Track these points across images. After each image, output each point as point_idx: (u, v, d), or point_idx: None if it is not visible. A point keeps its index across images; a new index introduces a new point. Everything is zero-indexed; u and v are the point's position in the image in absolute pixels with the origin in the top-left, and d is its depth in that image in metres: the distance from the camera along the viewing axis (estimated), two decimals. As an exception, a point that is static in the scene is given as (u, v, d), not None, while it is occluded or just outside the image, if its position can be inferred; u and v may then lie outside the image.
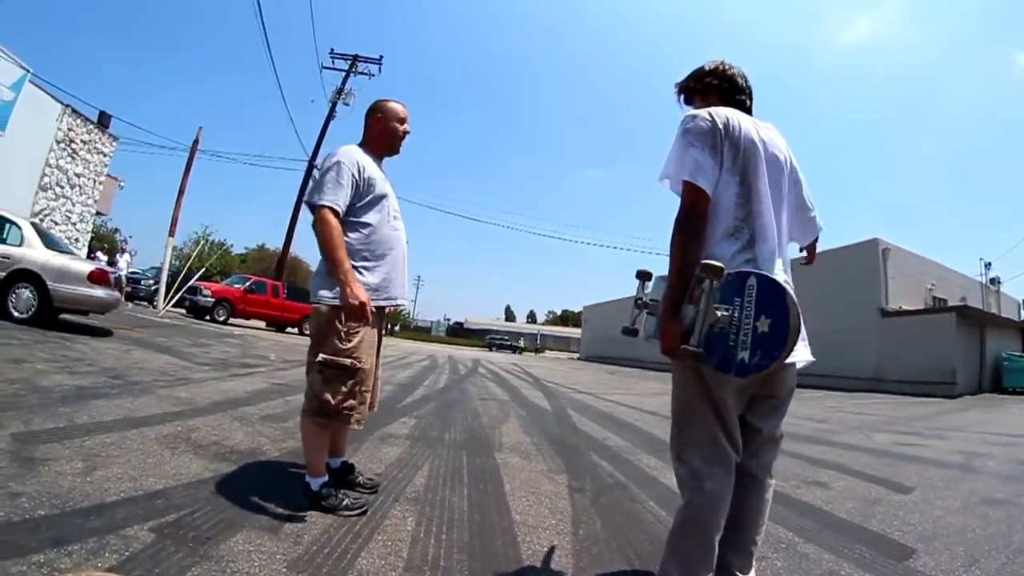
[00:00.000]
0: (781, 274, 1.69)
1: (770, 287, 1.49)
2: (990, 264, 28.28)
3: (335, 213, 2.40)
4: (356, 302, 2.30)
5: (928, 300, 22.05)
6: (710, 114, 1.72)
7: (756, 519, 1.75)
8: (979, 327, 19.95)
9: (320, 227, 2.37)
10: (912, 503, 3.53)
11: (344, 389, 2.40)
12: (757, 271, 1.54)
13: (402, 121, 2.74)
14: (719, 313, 1.50)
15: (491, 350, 50.33)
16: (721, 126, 1.69)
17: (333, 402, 2.38)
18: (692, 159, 1.65)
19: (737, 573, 1.72)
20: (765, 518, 1.79)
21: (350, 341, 2.42)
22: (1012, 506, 3.58)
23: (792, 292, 1.53)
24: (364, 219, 2.54)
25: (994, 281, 28.30)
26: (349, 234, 2.49)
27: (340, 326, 2.41)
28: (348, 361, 2.40)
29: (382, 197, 2.60)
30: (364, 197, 2.53)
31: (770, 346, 1.44)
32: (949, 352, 17.66)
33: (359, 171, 2.51)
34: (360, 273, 2.46)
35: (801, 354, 1.71)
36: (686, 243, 1.61)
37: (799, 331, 1.44)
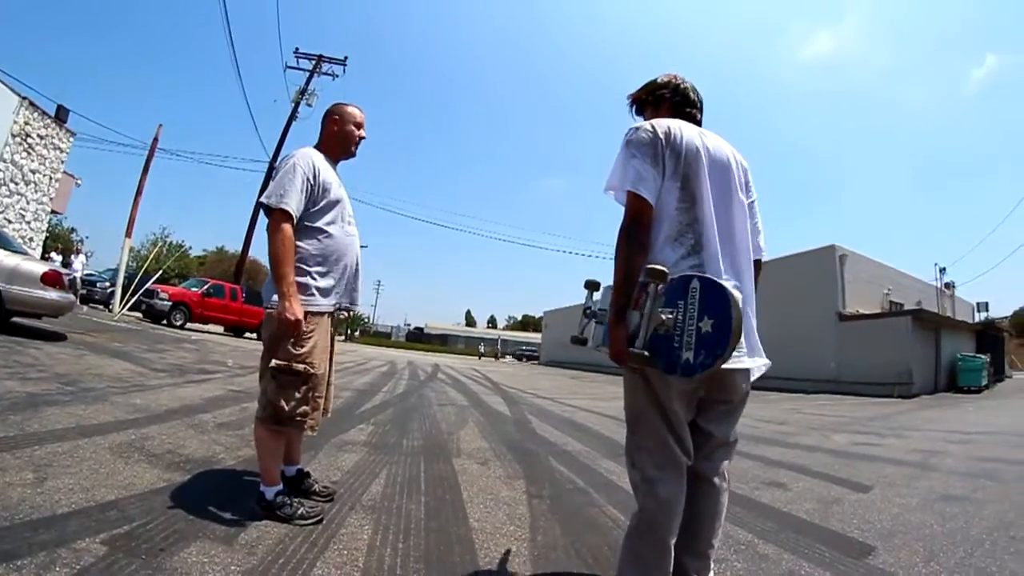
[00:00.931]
0: (729, 278, 1.71)
1: (712, 289, 1.52)
2: (944, 269, 29.20)
3: (288, 218, 2.38)
4: (292, 318, 2.30)
5: (885, 304, 22.66)
6: (652, 125, 1.77)
7: (712, 522, 1.78)
8: (934, 329, 20.55)
9: (272, 235, 2.36)
10: (871, 502, 3.61)
11: (298, 395, 2.39)
12: (700, 274, 1.58)
13: (359, 125, 2.74)
14: (663, 316, 1.55)
15: (494, 360, 49.12)
16: (662, 135, 1.73)
17: (287, 408, 2.36)
18: (634, 169, 1.70)
19: None
20: (721, 521, 1.81)
21: (303, 346, 2.40)
22: (969, 502, 3.68)
23: (736, 293, 1.57)
24: (318, 224, 2.52)
25: (949, 285, 29.19)
26: (304, 239, 2.47)
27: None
28: (302, 367, 2.39)
29: (337, 202, 2.59)
30: (319, 202, 2.51)
31: (713, 345, 1.47)
32: (906, 354, 18.16)
33: (315, 175, 2.50)
34: (313, 278, 2.46)
35: (755, 362, 1.75)
36: (631, 251, 1.65)
37: (740, 330, 1.47)
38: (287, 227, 2.37)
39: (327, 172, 2.58)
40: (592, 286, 1.96)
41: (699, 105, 1.99)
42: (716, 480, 1.80)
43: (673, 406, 1.66)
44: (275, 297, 2.40)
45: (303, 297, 2.42)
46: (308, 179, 2.46)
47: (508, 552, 2.33)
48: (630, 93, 2.10)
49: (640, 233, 1.68)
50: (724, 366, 1.64)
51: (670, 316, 1.54)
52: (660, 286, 1.57)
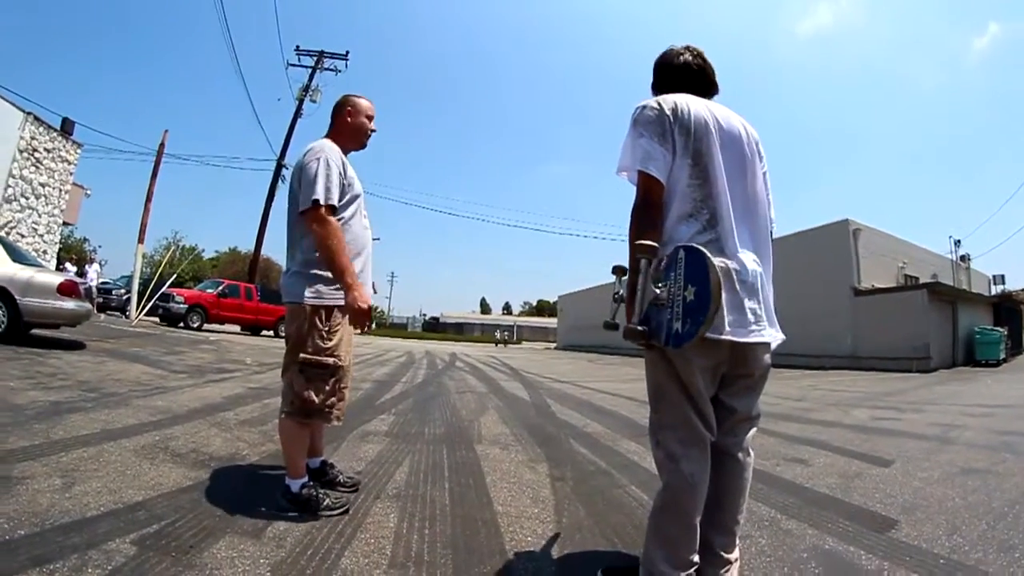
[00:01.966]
0: (747, 251, 1.71)
1: (694, 256, 1.51)
2: (960, 242, 28.82)
3: (334, 211, 2.39)
4: (365, 306, 2.34)
5: (900, 278, 22.42)
6: (658, 102, 1.75)
7: (736, 498, 1.77)
8: (951, 303, 20.33)
9: (321, 229, 2.34)
10: (892, 476, 3.60)
11: (327, 388, 2.42)
12: (686, 244, 1.56)
13: (371, 118, 2.74)
14: (656, 290, 1.56)
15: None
16: (669, 112, 1.71)
17: (317, 401, 2.39)
18: (642, 148, 1.69)
19: (721, 552, 1.73)
20: (746, 497, 1.81)
21: (331, 340, 2.43)
22: (990, 475, 3.66)
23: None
24: (343, 217, 2.53)
25: (964, 258, 28.83)
26: None
27: (321, 325, 2.43)
28: (330, 360, 2.42)
29: (357, 196, 2.62)
30: (344, 195, 2.52)
31: (696, 313, 1.46)
32: (922, 328, 17.97)
33: (344, 168, 2.52)
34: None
35: (769, 335, 1.73)
36: (643, 231, 1.63)
37: (720, 296, 1.45)
38: (333, 220, 2.38)
39: (349, 165, 2.60)
40: (620, 271, 1.94)
41: (710, 76, 1.96)
42: (740, 455, 1.79)
43: (695, 381, 1.65)
44: (303, 292, 2.43)
45: (331, 290, 2.44)
46: (340, 172, 2.48)
47: (534, 534, 2.34)
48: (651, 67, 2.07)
49: (651, 212, 1.67)
50: (745, 339, 1.65)
51: (663, 289, 1.55)
52: (652, 261, 1.57)
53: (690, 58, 1.95)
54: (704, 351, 1.61)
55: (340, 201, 2.47)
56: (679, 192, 1.69)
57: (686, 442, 1.66)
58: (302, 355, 2.41)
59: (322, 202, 2.34)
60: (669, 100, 1.75)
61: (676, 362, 1.65)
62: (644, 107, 1.75)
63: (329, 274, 2.44)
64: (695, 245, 1.54)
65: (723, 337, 1.58)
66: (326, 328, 2.43)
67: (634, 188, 1.74)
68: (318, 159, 2.43)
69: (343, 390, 2.50)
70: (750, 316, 1.66)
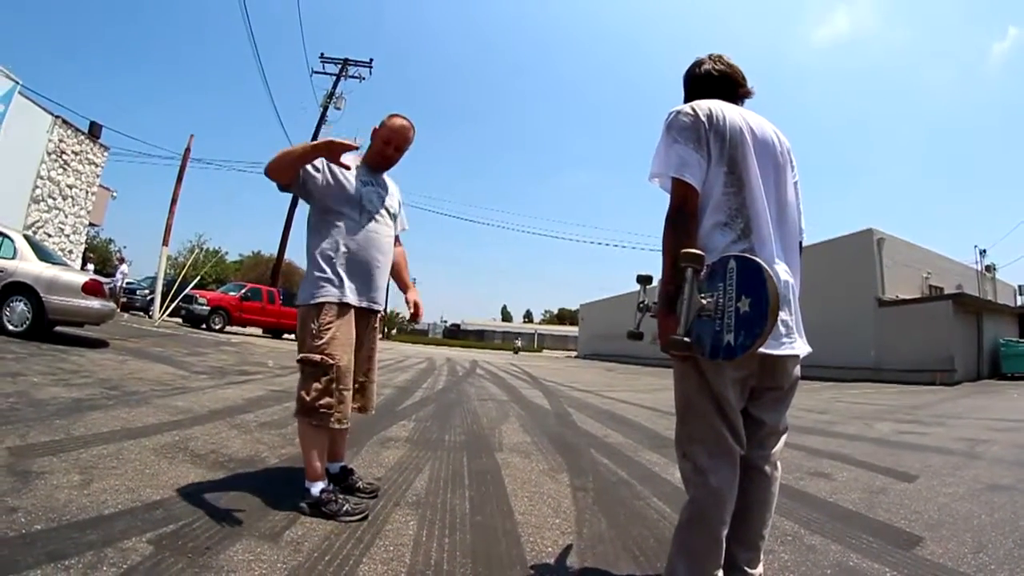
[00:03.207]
0: (780, 262, 1.68)
1: (748, 267, 1.46)
2: (985, 251, 28.29)
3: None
4: (323, 142, 2.43)
5: (924, 289, 22.10)
6: (692, 108, 1.71)
7: (762, 512, 1.74)
8: (976, 314, 20.00)
9: (269, 162, 2.50)
10: (917, 491, 3.52)
11: (318, 385, 2.42)
12: (737, 254, 1.52)
13: (388, 143, 2.76)
14: (704, 300, 1.51)
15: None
16: (704, 118, 1.67)
17: (308, 398, 2.41)
18: (677, 155, 1.65)
19: (745, 568, 1.69)
20: (772, 511, 1.77)
21: (321, 337, 2.46)
22: (1017, 491, 3.58)
23: (776, 269, 1.55)
24: (333, 219, 2.62)
25: (990, 268, 28.34)
26: (320, 235, 2.59)
27: (312, 324, 2.47)
28: (319, 356, 2.43)
29: (355, 199, 2.65)
30: (333, 196, 2.61)
31: (751, 325, 1.41)
32: (947, 339, 17.69)
33: (329, 169, 2.61)
34: (328, 272, 2.55)
35: (800, 347, 1.69)
36: (677, 239, 1.60)
37: (778, 308, 1.40)
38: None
39: (350, 171, 2.66)
40: (644, 280, 1.94)
41: (743, 83, 1.92)
42: (768, 469, 1.75)
43: (727, 394, 1.61)
44: (301, 294, 2.56)
45: (320, 290, 2.51)
46: (322, 167, 2.58)
47: (554, 545, 2.30)
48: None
49: (686, 221, 1.63)
50: (776, 352, 1.61)
51: (710, 300, 1.50)
52: (697, 270, 1.53)
53: (711, 66, 1.92)
54: (737, 363, 1.56)
55: (324, 203, 2.60)
56: (714, 200, 1.65)
57: (715, 455, 1.62)
58: (300, 354, 2.48)
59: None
60: (704, 106, 1.71)
61: (708, 374, 1.61)
62: (678, 112, 1.72)
63: (317, 272, 2.53)
64: (747, 256, 1.51)
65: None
66: (316, 326, 2.47)
67: (667, 195, 1.69)
68: None
69: (341, 391, 2.48)
70: (782, 328, 1.62)
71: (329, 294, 2.51)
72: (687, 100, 1.93)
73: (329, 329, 2.47)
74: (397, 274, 3.04)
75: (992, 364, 19.68)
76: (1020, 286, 30.35)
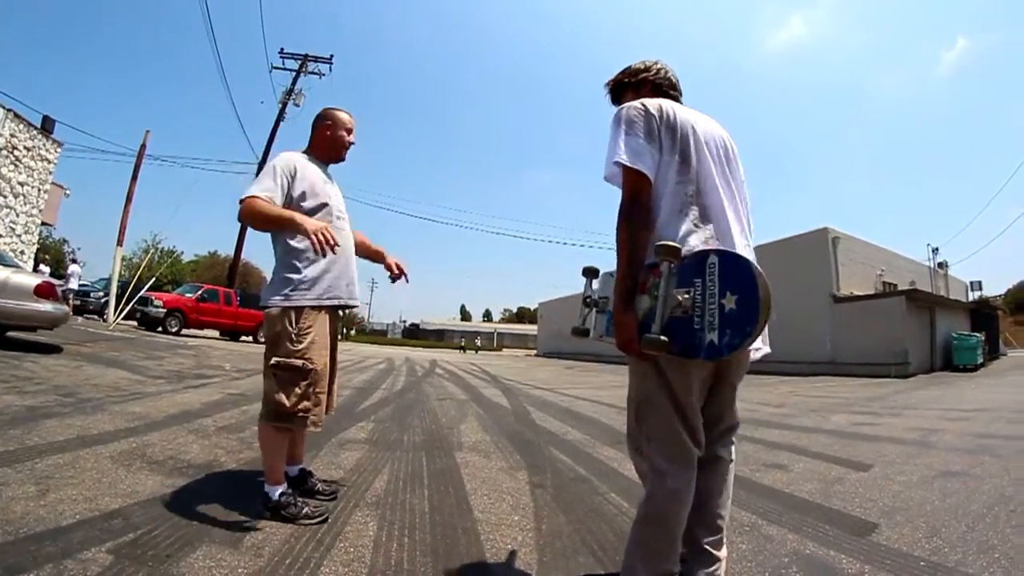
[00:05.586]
0: (744, 250, 1.66)
1: (734, 262, 1.44)
2: (937, 249, 29.20)
3: (253, 198, 2.42)
4: (313, 227, 2.29)
5: (878, 285, 22.72)
6: (642, 103, 1.72)
7: (725, 496, 1.74)
8: (929, 309, 20.60)
9: (247, 208, 2.40)
10: (871, 480, 3.64)
11: (298, 391, 2.40)
12: (718, 248, 1.51)
13: (349, 131, 2.78)
14: (680, 297, 1.46)
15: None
16: (655, 111, 1.68)
17: (288, 404, 2.38)
18: (628, 146, 1.63)
19: (711, 550, 1.69)
20: (730, 493, 1.78)
21: (301, 342, 2.43)
22: (969, 477, 3.71)
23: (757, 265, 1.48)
24: None
25: (942, 265, 29.24)
26: (293, 236, 2.49)
27: (291, 328, 2.43)
28: (300, 362, 2.41)
29: (322, 199, 2.62)
30: (305, 199, 2.55)
31: (741, 323, 1.38)
32: (901, 334, 18.19)
33: (292, 172, 2.54)
34: (305, 274, 2.50)
35: (766, 347, 1.72)
36: (634, 230, 1.58)
37: (770, 303, 1.37)
38: (252, 200, 2.40)
39: (312, 172, 2.63)
40: (590, 273, 1.90)
41: (679, 90, 1.96)
42: (725, 454, 1.78)
43: (689, 395, 1.60)
44: (271, 296, 2.47)
45: (296, 292, 2.46)
46: (284, 174, 2.51)
47: (514, 542, 2.34)
48: (608, 80, 2.05)
49: (641, 211, 1.60)
50: (747, 351, 1.62)
51: (687, 296, 1.46)
52: (673, 264, 1.48)
53: (666, 69, 1.96)
54: (701, 363, 1.56)
55: (290, 204, 2.52)
56: (669, 191, 1.64)
57: (673, 458, 1.61)
58: (274, 358, 2.42)
59: (244, 197, 2.42)
60: (653, 102, 1.73)
61: (671, 374, 1.59)
62: (628, 107, 1.71)
63: (296, 275, 2.48)
64: (729, 250, 1.50)
65: None
66: (296, 330, 2.43)
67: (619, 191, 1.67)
68: (264, 169, 2.54)
69: (318, 395, 2.47)
70: None
71: (306, 296, 2.48)
72: (632, 87, 1.96)
73: (308, 333, 2.45)
74: (365, 249, 3.01)
75: (945, 357, 20.26)
76: (971, 282, 31.41)
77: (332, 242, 2.28)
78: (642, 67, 1.97)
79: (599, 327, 1.82)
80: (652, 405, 1.64)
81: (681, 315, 1.47)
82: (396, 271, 2.97)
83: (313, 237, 2.25)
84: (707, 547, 1.70)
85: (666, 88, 1.92)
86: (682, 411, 1.60)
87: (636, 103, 1.73)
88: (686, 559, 1.68)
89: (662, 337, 1.46)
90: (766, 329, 1.68)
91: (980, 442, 5.12)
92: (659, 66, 1.96)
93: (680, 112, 1.73)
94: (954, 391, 11.75)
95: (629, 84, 1.98)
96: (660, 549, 1.60)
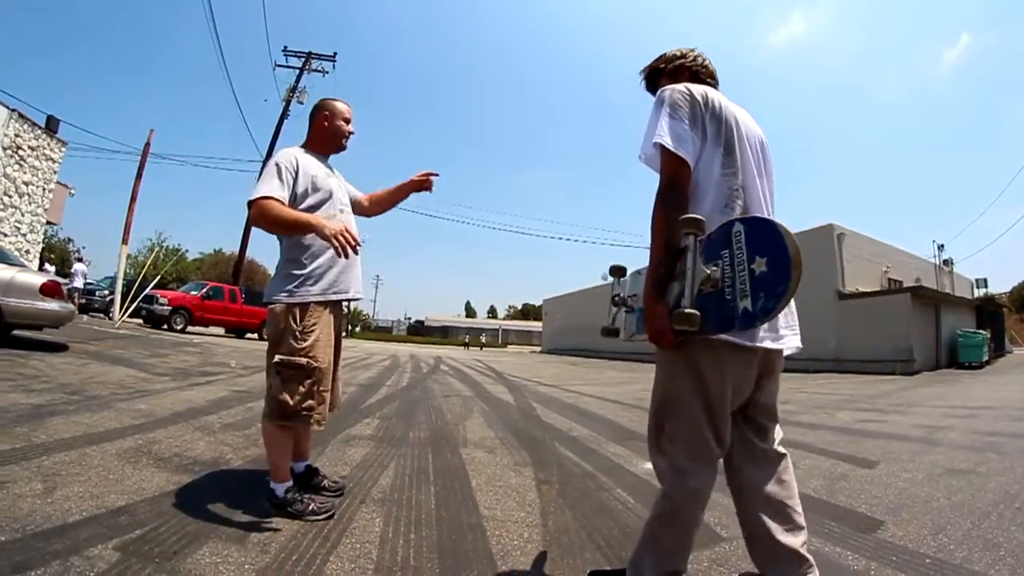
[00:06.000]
0: None
1: (758, 225, 1.39)
2: (943, 246, 29.15)
3: (266, 199, 2.39)
4: (332, 230, 2.26)
5: (884, 282, 22.62)
6: (686, 87, 1.67)
7: (796, 492, 1.68)
8: (934, 306, 20.53)
9: (258, 216, 2.38)
10: (877, 477, 3.62)
11: (302, 389, 2.38)
12: (741, 217, 1.46)
13: (348, 121, 2.76)
14: (708, 271, 1.42)
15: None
16: (700, 98, 1.64)
17: (291, 403, 2.36)
18: (672, 130, 1.57)
19: (804, 553, 1.59)
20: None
21: (305, 340, 2.41)
22: (974, 475, 3.70)
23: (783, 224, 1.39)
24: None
25: (947, 262, 29.14)
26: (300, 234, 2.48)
27: (295, 325, 2.41)
28: (304, 360, 2.39)
29: (326, 194, 2.60)
30: (309, 195, 2.53)
31: (773, 283, 1.32)
32: (906, 331, 18.11)
33: (295, 168, 2.51)
34: (310, 270, 2.48)
35: (798, 340, 1.70)
36: (670, 216, 1.51)
37: (800, 261, 1.31)
38: (265, 202, 2.37)
39: (313, 166, 2.60)
40: (618, 271, 1.86)
41: (717, 79, 1.90)
42: (782, 449, 1.72)
43: (723, 397, 1.56)
44: (276, 293, 2.45)
45: (304, 287, 2.45)
46: (288, 171, 2.48)
47: (520, 538, 2.33)
48: (643, 67, 2.00)
49: (679, 197, 1.54)
50: (777, 346, 1.58)
51: (715, 269, 1.41)
52: (700, 237, 1.44)
53: (703, 57, 1.91)
54: (741, 362, 1.54)
55: (295, 201, 2.49)
56: (712, 182, 1.60)
57: (695, 457, 1.57)
58: (277, 356, 2.40)
59: (254, 198, 2.38)
60: (698, 88, 1.67)
61: (707, 373, 1.54)
62: (672, 89, 1.66)
63: (301, 271, 2.46)
64: (754, 216, 1.46)
65: (759, 345, 1.52)
66: (300, 328, 2.41)
67: (656, 175, 1.61)
68: (267, 168, 2.50)
69: (322, 393, 2.46)
70: (781, 320, 1.59)
71: (311, 292, 2.46)
72: (669, 73, 1.90)
73: (313, 331, 2.43)
74: (390, 198, 3.03)
75: (950, 354, 20.19)
76: (977, 279, 31.30)
77: (354, 243, 2.28)
78: (678, 54, 1.91)
79: (629, 327, 1.78)
80: (679, 404, 1.60)
81: (711, 289, 1.43)
82: (425, 179, 2.95)
83: (334, 240, 2.24)
84: (801, 550, 1.59)
85: (704, 76, 1.87)
86: (711, 411, 1.56)
87: (680, 86, 1.67)
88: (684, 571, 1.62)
89: (696, 312, 1.39)
90: (797, 323, 1.69)
91: (986, 439, 5.09)
92: (696, 53, 1.91)
93: (725, 102, 1.69)
94: (959, 388, 11.69)
95: (664, 71, 1.93)
96: (672, 548, 1.59)
